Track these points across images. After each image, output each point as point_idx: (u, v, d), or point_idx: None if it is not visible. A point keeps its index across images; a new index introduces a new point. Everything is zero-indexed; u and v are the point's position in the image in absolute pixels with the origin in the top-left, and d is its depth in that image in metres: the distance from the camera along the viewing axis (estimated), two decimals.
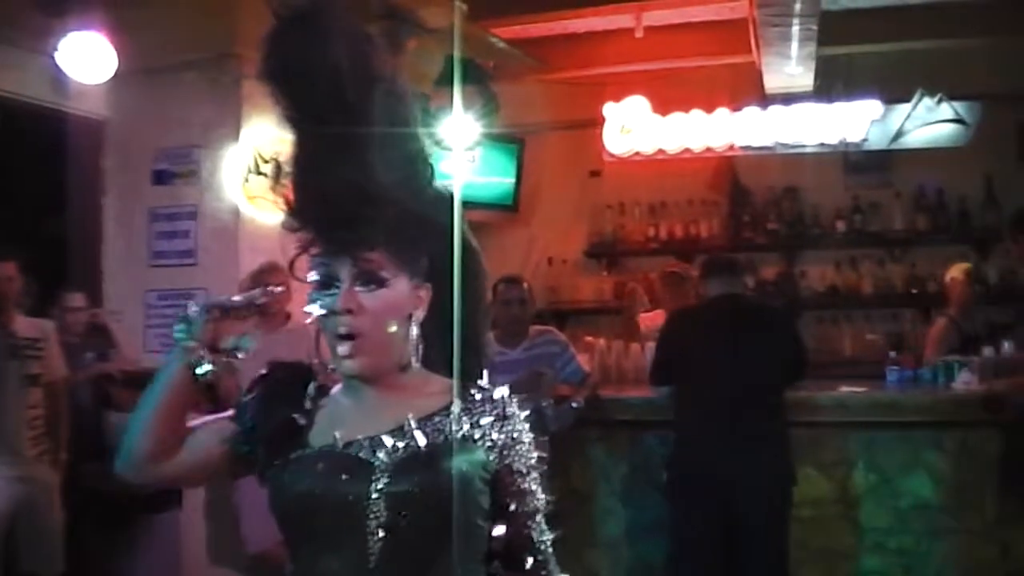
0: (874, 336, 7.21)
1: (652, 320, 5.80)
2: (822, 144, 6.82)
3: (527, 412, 1.62)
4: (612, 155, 7.14)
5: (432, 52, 5.27)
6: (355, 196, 1.49)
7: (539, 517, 1.60)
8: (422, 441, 1.50)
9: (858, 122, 6.72)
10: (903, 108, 6.66)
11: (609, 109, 7.06)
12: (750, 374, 4.20)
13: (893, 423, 4.77)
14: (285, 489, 1.53)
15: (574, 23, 6.57)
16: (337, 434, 1.54)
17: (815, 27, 5.37)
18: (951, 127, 6.63)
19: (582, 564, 4.99)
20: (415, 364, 1.59)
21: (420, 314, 1.58)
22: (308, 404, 1.61)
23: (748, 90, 6.84)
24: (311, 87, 1.51)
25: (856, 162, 7.39)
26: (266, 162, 5.70)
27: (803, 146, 6.85)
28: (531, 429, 1.61)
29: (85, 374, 5.25)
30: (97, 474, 5.25)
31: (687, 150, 7.01)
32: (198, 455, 1.66)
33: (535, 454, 1.61)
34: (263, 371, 1.71)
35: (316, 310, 1.53)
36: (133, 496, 5.27)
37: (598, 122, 7.11)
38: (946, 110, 6.59)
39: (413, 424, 1.52)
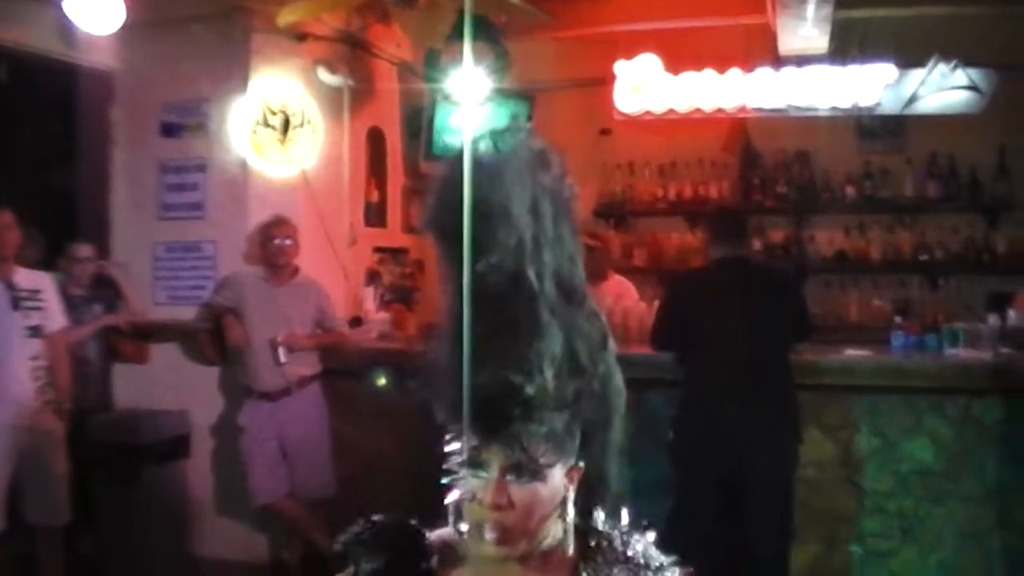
0: (881, 302, 7.22)
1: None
2: (835, 108, 6.76)
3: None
4: (623, 114, 7.09)
5: (443, 7, 5.23)
6: (515, 401, 1.31)
7: None
8: None
9: (872, 86, 6.66)
10: (918, 73, 6.59)
11: (620, 67, 7.01)
12: (756, 336, 4.23)
13: (897, 388, 4.77)
14: None
15: None
16: None
17: None
18: (965, 94, 6.56)
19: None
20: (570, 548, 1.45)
21: (572, 495, 1.42)
22: None
23: (762, 51, 6.78)
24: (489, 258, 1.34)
25: (869, 127, 7.36)
26: (274, 115, 5.69)
27: (816, 109, 6.79)
28: None
29: (92, 326, 5.28)
30: (104, 425, 5.30)
31: (698, 110, 6.95)
32: None
33: None
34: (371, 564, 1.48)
35: (460, 494, 1.39)
36: (140, 447, 5.33)
37: (609, 80, 7.06)
38: (961, 77, 6.53)
39: None
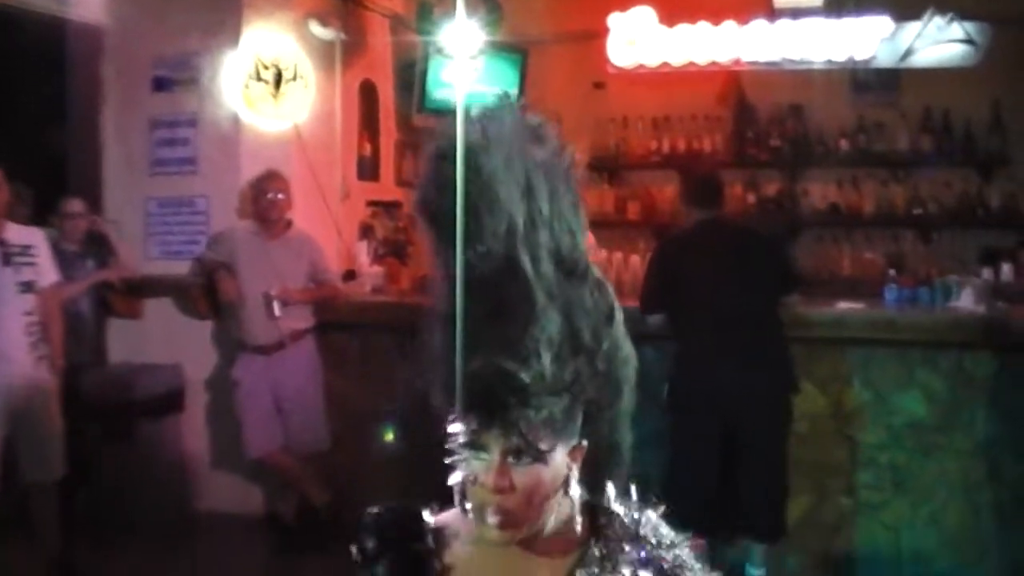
0: (873, 255, 7.22)
1: None
2: (829, 61, 6.72)
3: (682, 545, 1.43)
4: (616, 67, 7.05)
5: None
6: (511, 388, 1.29)
7: None
8: None
9: (867, 39, 6.62)
10: (913, 27, 6.55)
11: (614, 20, 6.95)
12: (743, 293, 4.26)
13: (889, 341, 4.79)
14: None
15: None
16: None
17: None
18: (961, 48, 6.52)
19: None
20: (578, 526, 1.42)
21: (576, 474, 1.39)
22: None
23: (756, 3, 6.73)
24: (479, 241, 1.31)
25: (863, 80, 7.31)
26: (266, 68, 5.64)
27: (810, 62, 6.74)
28: None
29: (85, 281, 5.27)
30: (98, 380, 5.31)
31: (692, 63, 6.91)
32: None
33: None
34: (370, 545, 1.47)
35: (463, 476, 1.35)
36: (134, 402, 5.34)
37: (603, 33, 7.01)
38: (956, 30, 6.48)
39: None
